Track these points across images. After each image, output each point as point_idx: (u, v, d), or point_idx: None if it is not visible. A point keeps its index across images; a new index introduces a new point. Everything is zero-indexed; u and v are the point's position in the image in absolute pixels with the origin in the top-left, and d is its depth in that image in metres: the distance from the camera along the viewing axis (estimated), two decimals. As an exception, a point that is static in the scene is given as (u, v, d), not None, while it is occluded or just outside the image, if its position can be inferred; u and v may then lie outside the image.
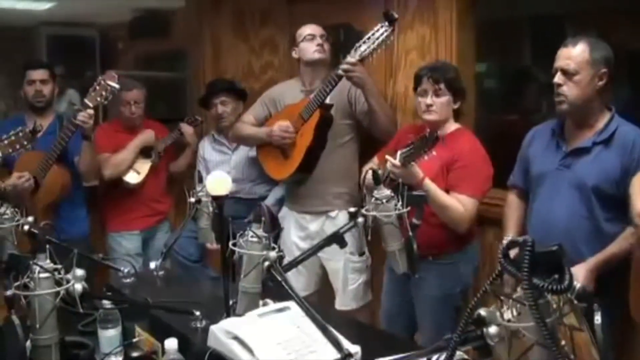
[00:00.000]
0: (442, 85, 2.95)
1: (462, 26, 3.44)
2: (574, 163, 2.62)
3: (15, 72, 3.83)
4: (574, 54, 2.52)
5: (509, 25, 3.91)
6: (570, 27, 3.64)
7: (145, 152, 4.05)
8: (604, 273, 2.50)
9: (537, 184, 2.76)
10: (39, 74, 3.71)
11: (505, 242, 2.77)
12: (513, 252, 1.36)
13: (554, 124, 2.77)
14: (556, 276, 1.31)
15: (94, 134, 3.57)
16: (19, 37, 5.52)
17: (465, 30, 3.47)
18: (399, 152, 2.66)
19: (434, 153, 2.58)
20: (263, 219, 1.99)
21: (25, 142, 3.08)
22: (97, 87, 3.40)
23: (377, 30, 3.15)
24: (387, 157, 2.70)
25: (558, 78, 2.54)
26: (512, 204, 2.95)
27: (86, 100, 3.41)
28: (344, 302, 3.63)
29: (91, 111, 3.39)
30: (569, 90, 2.53)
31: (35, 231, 2.43)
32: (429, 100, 2.97)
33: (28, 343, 1.69)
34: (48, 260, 1.73)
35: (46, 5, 5.47)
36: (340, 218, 3.50)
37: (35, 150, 3.46)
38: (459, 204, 2.84)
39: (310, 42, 3.58)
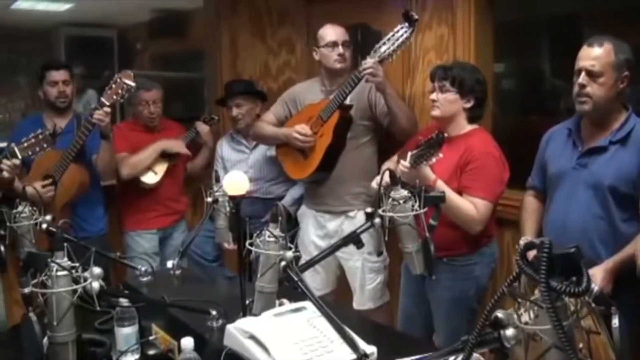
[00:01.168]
0: (445, 82, 2.96)
1: (480, 26, 3.42)
2: (590, 162, 2.61)
3: (34, 72, 3.85)
4: (599, 54, 2.49)
5: (527, 25, 3.89)
6: (588, 27, 3.62)
7: (162, 154, 4.06)
8: (621, 274, 2.48)
9: (554, 184, 2.75)
10: (61, 75, 3.72)
11: (522, 243, 2.78)
12: (531, 254, 1.35)
13: (570, 123, 2.75)
14: (574, 278, 1.30)
15: (112, 133, 3.59)
16: (38, 38, 5.58)
17: (483, 31, 3.45)
18: (409, 154, 2.66)
19: (441, 155, 2.58)
20: (280, 218, 1.99)
21: (45, 145, 3.11)
22: (114, 86, 3.41)
23: (397, 31, 3.14)
24: (401, 161, 2.71)
25: (583, 79, 2.51)
26: (529, 205, 2.94)
27: (103, 99, 3.42)
28: (361, 301, 3.63)
29: (107, 109, 3.40)
30: (593, 92, 2.51)
31: (53, 229, 2.45)
32: (433, 96, 3.00)
33: (45, 340, 1.70)
34: (66, 259, 1.74)
35: (65, 7, 5.51)
36: (359, 217, 3.48)
37: (53, 149, 3.49)
38: (472, 205, 2.83)
39: (332, 50, 3.55)
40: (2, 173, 3.08)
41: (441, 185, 2.76)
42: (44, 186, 3.43)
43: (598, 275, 2.44)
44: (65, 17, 5.60)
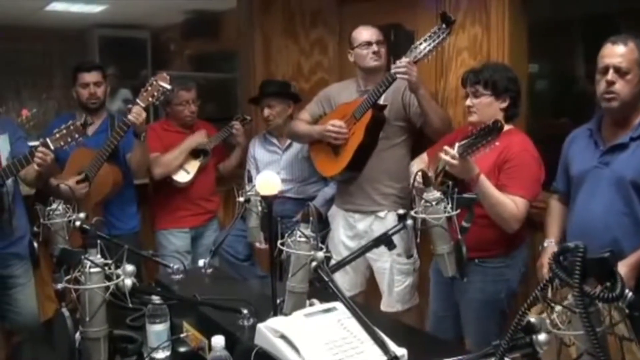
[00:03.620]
0: (478, 87, 2.93)
1: (514, 26, 3.39)
2: (612, 160, 2.61)
3: (68, 72, 3.89)
4: (625, 52, 2.51)
5: (562, 25, 3.84)
6: (624, 27, 3.56)
7: (194, 152, 4.09)
8: None
9: (577, 185, 2.75)
10: (92, 77, 3.75)
11: (545, 245, 2.78)
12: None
13: (591, 124, 2.77)
14: (608, 284, 1.28)
15: (145, 133, 3.62)
16: (72, 39, 5.65)
17: (517, 31, 3.42)
18: (457, 144, 2.61)
19: (497, 144, 2.55)
20: (311, 219, 2.00)
21: (76, 135, 3.12)
22: (149, 88, 3.44)
23: (434, 32, 3.12)
24: (445, 147, 2.66)
25: (612, 76, 2.52)
26: (554, 208, 2.94)
27: (138, 100, 3.45)
28: (389, 303, 3.62)
29: (140, 108, 3.43)
30: (621, 88, 2.52)
31: (86, 227, 2.47)
32: (468, 102, 2.98)
33: (77, 335, 1.71)
34: (99, 256, 1.76)
35: (99, 8, 5.57)
36: (389, 218, 3.48)
37: (87, 148, 3.52)
38: (513, 203, 2.81)
39: (367, 49, 3.55)
40: (34, 160, 3.11)
41: (484, 180, 2.74)
42: (78, 182, 3.49)
43: (621, 271, 2.40)
44: (99, 19, 5.66)
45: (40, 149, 3.10)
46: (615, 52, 2.53)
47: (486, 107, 2.93)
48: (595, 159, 2.66)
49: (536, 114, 3.74)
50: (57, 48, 5.54)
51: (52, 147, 3.12)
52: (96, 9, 5.56)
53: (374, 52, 3.54)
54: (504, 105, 2.95)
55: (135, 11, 5.66)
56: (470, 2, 3.52)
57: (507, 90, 2.94)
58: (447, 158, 2.62)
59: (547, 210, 2.96)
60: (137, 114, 3.42)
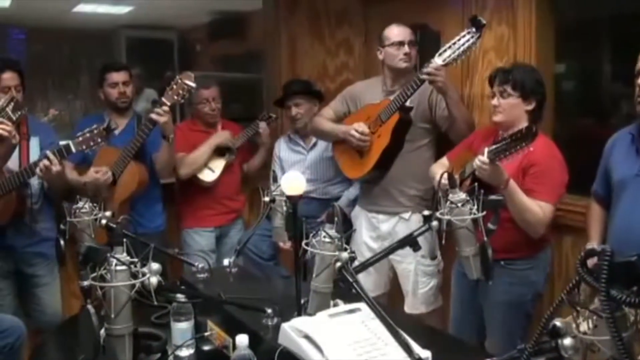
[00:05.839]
0: (507, 87, 2.90)
1: (541, 25, 3.35)
2: None
3: (96, 73, 3.92)
4: None
5: (589, 24, 3.80)
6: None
7: (219, 151, 4.11)
8: None
9: (618, 192, 2.67)
10: (121, 76, 3.78)
11: (588, 248, 2.71)
12: (591, 261, 1.32)
13: (632, 128, 2.67)
14: (635, 288, 1.26)
15: (173, 135, 3.63)
16: (100, 40, 5.70)
17: (544, 30, 3.39)
18: (486, 150, 2.58)
19: (532, 149, 2.52)
20: (336, 219, 1.99)
21: (99, 140, 3.14)
22: (174, 87, 3.46)
23: (464, 36, 3.07)
24: (479, 156, 2.64)
25: None
26: (595, 212, 2.86)
27: (163, 99, 3.47)
28: (413, 305, 3.61)
29: (166, 107, 3.45)
30: None
31: (113, 225, 2.49)
32: (495, 101, 2.95)
33: (102, 332, 1.73)
34: (125, 254, 1.77)
35: (126, 9, 5.61)
36: (413, 220, 3.48)
37: (113, 147, 3.55)
38: (539, 208, 2.79)
39: (398, 49, 3.53)
40: (36, 169, 3.12)
41: (513, 185, 2.72)
42: (96, 172, 3.52)
43: None
44: (126, 20, 5.71)
45: (44, 160, 3.12)
46: None
47: (513, 108, 2.91)
48: (636, 167, 2.58)
49: (563, 114, 3.71)
50: (84, 49, 5.59)
51: (73, 151, 3.13)
52: (123, 10, 5.61)
53: (405, 54, 3.52)
54: (530, 107, 2.91)
55: (162, 12, 5.70)
56: (496, 1, 3.50)
57: (535, 93, 2.91)
58: (478, 163, 2.60)
59: (588, 214, 2.90)
60: (160, 111, 3.44)
